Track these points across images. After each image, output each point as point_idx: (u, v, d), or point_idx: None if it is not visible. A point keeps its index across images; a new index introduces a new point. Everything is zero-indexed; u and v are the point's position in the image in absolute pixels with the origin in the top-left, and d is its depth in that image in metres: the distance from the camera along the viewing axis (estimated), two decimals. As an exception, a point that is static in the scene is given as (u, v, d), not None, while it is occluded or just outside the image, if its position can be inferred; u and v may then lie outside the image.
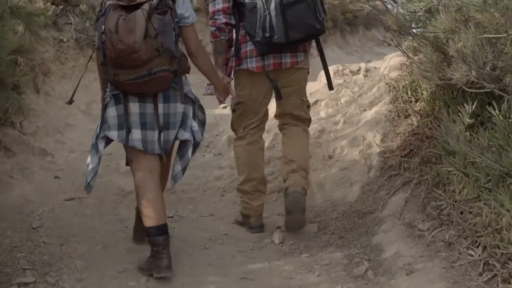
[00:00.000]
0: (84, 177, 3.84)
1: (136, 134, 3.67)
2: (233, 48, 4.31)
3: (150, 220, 3.71)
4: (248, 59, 4.27)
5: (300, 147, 4.56)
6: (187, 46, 3.77)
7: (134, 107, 3.65)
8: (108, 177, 5.58)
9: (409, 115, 5.13)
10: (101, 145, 3.71)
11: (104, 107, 3.71)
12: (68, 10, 7.90)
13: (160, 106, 3.68)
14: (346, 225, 4.56)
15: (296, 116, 4.59)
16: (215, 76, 4.05)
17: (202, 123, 3.99)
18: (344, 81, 7.07)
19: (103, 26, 3.45)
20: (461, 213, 3.57)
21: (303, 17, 4.08)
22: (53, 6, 7.61)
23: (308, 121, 4.71)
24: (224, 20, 4.19)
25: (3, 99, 4.93)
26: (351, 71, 7.32)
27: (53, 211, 4.81)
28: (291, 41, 4.11)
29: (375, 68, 7.44)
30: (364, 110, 5.99)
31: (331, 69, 7.33)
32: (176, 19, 3.61)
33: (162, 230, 3.71)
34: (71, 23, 7.71)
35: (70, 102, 3.95)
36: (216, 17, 4.20)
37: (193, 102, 3.82)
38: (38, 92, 6.74)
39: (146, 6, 3.42)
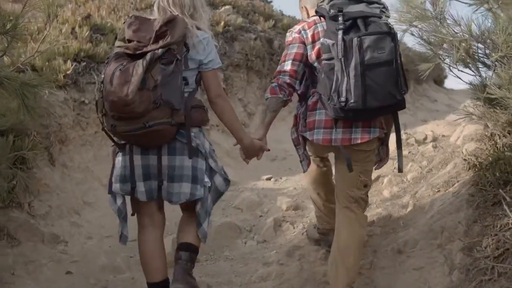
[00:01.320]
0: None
1: (140, 187, 3.73)
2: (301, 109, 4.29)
3: (148, 275, 3.88)
4: (315, 130, 4.14)
5: (351, 246, 4.21)
6: (207, 92, 3.80)
7: (137, 159, 3.71)
8: (131, 273, 4.82)
9: (500, 202, 4.30)
10: (112, 198, 3.86)
11: (115, 156, 3.83)
12: (91, 67, 7.26)
13: (165, 158, 3.70)
14: None
15: (351, 198, 4.30)
16: (238, 130, 4.01)
17: (222, 174, 4.01)
18: (410, 152, 6.36)
19: (102, 76, 3.57)
20: None
21: (384, 83, 3.83)
22: (74, 64, 6.93)
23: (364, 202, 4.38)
24: (288, 81, 4.12)
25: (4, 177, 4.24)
26: (416, 141, 6.61)
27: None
28: (368, 108, 3.85)
29: (443, 136, 6.73)
30: (438, 191, 5.25)
31: (392, 136, 6.67)
32: (195, 66, 3.71)
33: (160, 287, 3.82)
34: (94, 82, 7.04)
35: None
36: (280, 76, 4.13)
37: (205, 157, 3.81)
38: (53, 164, 6.04)
39: (148, 56, 3.45)
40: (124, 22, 3.85)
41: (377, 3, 4.08)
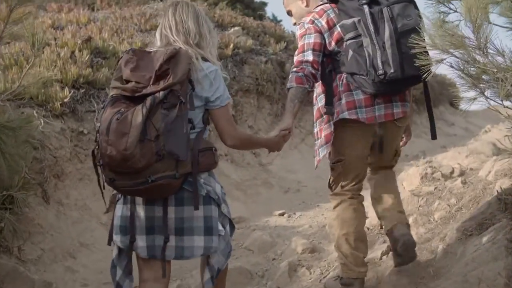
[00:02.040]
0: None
1: (141, 241, 3.39)
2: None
3: None
4: (358, 109, 4.14)
5: (394, 189, 4.59)
6: (219, 135, 3.53)
7: (140, 210, 3.38)
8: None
9: (545, 250, 3.96)
10: (115, 251, 3.48)
11: (116, 203, 3.50)
12: (91, 94, 6.91)
13: (172, 210, 3.36)
14: None
15: (387, 166, 4.61)
16: (260, 145, 4.04)
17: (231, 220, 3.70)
18: (436, 188, 5.96)
19: (98, 124, 3.22)
20: None
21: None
22: (72, 91, 6.57)
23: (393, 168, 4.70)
24: (313, 71, 4.11)
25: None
26: (443, 175, 6.20)
27: None
28: (406, 76, 3.92)
29: (472, 170, 6.31)
30: (471, 234, 4.81)
31: (416, 171, 6.32)
32: (201, 104, 3.37)
33: None
34: (94, 111, 6.68)
35: (107, 211, 3.70)
36: (304, 66, 4.10)
37: (218, 204, 3.47)
38: (48, 202, 5.65)
39: (148, 101, 3.11)
40: (120, 58, 3.42)
41: None
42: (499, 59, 3.47)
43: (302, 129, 9.98)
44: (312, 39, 4.17)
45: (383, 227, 4.87)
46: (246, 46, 9.83)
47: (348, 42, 4.05)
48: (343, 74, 4.15)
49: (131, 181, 3.17)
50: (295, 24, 4.57)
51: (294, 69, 4.13)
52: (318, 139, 4.34)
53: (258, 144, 4.10)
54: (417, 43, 3.55)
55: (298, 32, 4.27)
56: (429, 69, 3.66)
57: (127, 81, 3.29)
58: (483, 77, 3.56)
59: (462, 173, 6.32)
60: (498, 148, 8.19)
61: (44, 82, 6.17)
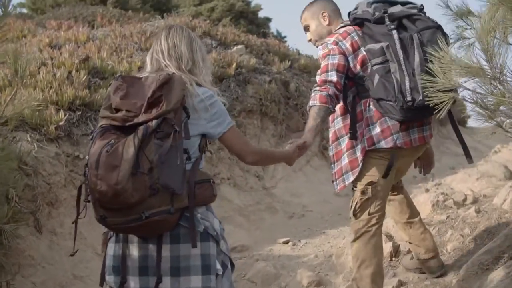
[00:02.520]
0: None
1: (133, 282, 3.14)
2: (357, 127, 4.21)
3: None
4: (394, 135, 4.16)
5: (418, 213, 4.83)
6: (236, 156, 3.44)
7: (133, 248, 3.14)
8: None
9: None
10: None
11: (108, 241, 3.23)
12: (87, 116, 6.70)
13: (166, 248, 3.11)
14: None
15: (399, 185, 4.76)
16: (279, 157, 3.88)
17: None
18: (448, 217, 5.77)
19: (86, 158, 3.01)
20: None
21: None
22: (68, 113, 6.36)
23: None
24: (336, 92, 4.10)
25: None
26: (455, 203, 5.98)
27: None
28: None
29: (485, 197, 6.10)
30: (487, 269, 4.64)
31: (427, 198, 6.10)
32: (197, 132, 3.18)
33: None
34: (90, 134, 6.41)
35: (73, 254, 3.42)
36: (328, 85, 4.09)
37: (216, 240, 3.23)
38: (40, 231, 5.43)
39: (140, 131, 2.91)
40: (109, 85, 3.22)
41: (410, 3, 4.27)
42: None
43: (307, 151, 9.73)
44: (336, 60, 4.15)
45: (416, 254, 4.89)
46: (249, 65, 9.63)
47: (375, 67, 4.07)
48: (369, 100, 4.16)
49: (123, 217, 2.96)
50: (310, 40, 4.59)
51: (318, 88, 4.10)
52: (334, 162, 4.33)
53: (275, 157, 3.94)
54: (429, 81, 3.35)
55: (320, 52, 4.25)
56: (444, 106, 3.46)
57: (117, 110, 3.08)
58: (501, 108, 3.35)
59: (475, 201, 6.11)
60: (510, 171, 7.97)
61: (37, 105, 6.01)
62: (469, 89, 3.43)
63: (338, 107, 4.25)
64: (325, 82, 4.10)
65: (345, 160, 4.23)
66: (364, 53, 4.16)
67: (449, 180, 8.89)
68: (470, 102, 3.53)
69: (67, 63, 7.51)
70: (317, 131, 4.05)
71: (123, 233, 3.13)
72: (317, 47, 4.44)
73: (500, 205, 5.54)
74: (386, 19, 4.11)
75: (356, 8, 4.36)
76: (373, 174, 4.22)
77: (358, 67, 4.17)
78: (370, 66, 4.12)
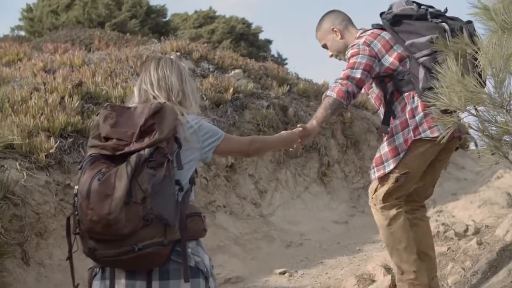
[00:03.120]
0: None
1: None
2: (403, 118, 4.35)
3: None
4: (439, 125, 4.11)
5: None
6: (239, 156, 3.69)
7: (121, 285, 2.99)
8: None
9: None
10: None
11: (93, 279, 3.08)
12: (79, 143, 6.57)
13: (156, 284, 3.00)
14: None
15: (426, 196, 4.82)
16: (278, 142, 3.94)
17: None
18: (449, 249, 5.63)
19: (75, 188, 2.95)
20: None
21: None
22: (59, 140, 6.24)
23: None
24: (355, 91, 4.29)
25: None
26: (456, 234, 5.83)
27: None
28: None
29: (487, 227, 5.96)
30: None
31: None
32: (187, 161, 3.11)
33: None
34: (79, 164, 6.29)
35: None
36: (350, 82, 4.26)
37: (206, 277, 3.12)
38: (28, 263, 5.28)
39: (133, 160, 2.85)
40: (97, 114, 3.16)
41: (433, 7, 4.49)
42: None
43: (306, 177, 9.62)
44: (365, 60, 4.33)
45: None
46: (246, 90, 9.53)
47: (422, 59, 4.22)
48: (412, 92, 4.32)
49: (114, 250, 2.86)
50: (331, 56, 4.76)
51: (339, 81, 4.27)
52: (372, 168, 4.49)
53: (274, 143, 3.99)
54: (432, 104, 3.25)
55: (350, 51, 4.43)
56: (448, 130, 3.36)
57: (107, 139, 3.02)
58: (506, 138, 3.23)
59: (477, 231, 5.98)
60: (513, 199, 7.86)
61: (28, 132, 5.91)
62: (474, 115, 3.32)
63: (383, 101, 4.50)
64: (348, 77, 4.28)
65: (384, 149, 4.42)
66: (400, 50, 4.38)
67: (451, 207, 8.76)
68: (475, 130, 3.42)
69: (60, 88, 7.41)
70: (323, 121, 4.27)
71: (112, 266, 2.99)
72: (339, 59, 4.71)
73: (502, 237, 5.40)
74: (428, 16, 4.34)
75: (390, 8, 4.52)
76: (411, 163, 4.36)
77: (396, 63, 4.37)
78: (410, 60, 4.32)
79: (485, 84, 3.35)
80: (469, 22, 4.17)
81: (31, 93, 7.29)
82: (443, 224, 6.12)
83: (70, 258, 3.13)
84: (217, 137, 3.29)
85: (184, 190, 3.07)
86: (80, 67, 9.15)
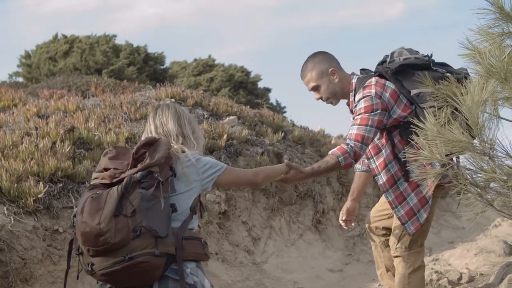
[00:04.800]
0: None
1: None
2: None
3: None
4: None
5: None
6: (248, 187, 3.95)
7: None
8: None
9: None
10: None
11: None
12: (69, 189, 6.53)
13: None
14: None
15: None
16: (278, 172, 4.10)
17: None
18: (442, 297, 5.46)
19: (75, 209, 3.38)
20: None
21: None
22: (48, 185, 6.20)
23: None
24: (363, 154, 4.37)
25: None
26: (449, 282, 5.76)
27: None
28: None
29: (481, 275, 5.89)
30: None
31: None
32: (186, 189, 3.40)
33: None
34: (71, 207, 6.29)
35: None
36: (363, 146, 4.30)
37: None
38: (12, 310, 5.15)
39: (124, 181, 3.20)
40: (94, 156, 3.52)
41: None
42: (509, 162, 3.12)
43: (300, 225, 9.55)
44: (378, 116, 4.34)
45: None
46: (241, 136, 9.52)
47: (431, 109, 4.02)
48: None
49: (107, 261, 3.14)
50: (319, 99, 4.69)
51: (353, 144, 4.28)
52: (396, 206, 4.51)
53: (278, 170, 4.16)
54: (413, 154, 3.25)
55: (363, 104, 4.37)
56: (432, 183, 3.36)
57: (106, 169, 3.38)
58: (491, 185, 3.22)
59: (471, 279, 5.93)
60: (510, 246, 7.79)
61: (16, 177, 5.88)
62: (456, 165, 3.30)
63: (389, 152, 4.50)
64: (362, 140, 4.29)
65: (413, 200, 4.47)
66: (405, 101, 4.42)
67: (447, 255, 8.70)
68: (458, 179, 3.40)
69: (52, 133, 7.39)
70: (317, 175, 4.47)
71: (109, 280, 3.25)
72: (329, 103, 4.68)
73: (497, 285, 5.35)
74: (431, 64, 4.42)
75: (391, 56, 4.57)
76: (433, 208, 4.53)
77: (404, 115, 4.40)
78: (417, 110, 4.35)
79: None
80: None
81: (22, 138, 7.27)
82: (436, 272, 6.06)
83: (65, 276, 3.44)
84: (218, 168, 3.55)
85: (181, 216, 3.35)
86: (74, 112, 9.15)
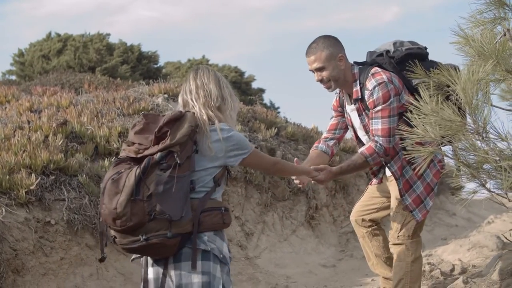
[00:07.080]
0: None
1: None
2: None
3: None
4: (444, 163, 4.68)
5: None
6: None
7: (150, 272, 3.54)
8: None
9: None
10: None
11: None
12: (61, 181, 6.50)
13: (171, 267, 3.47)
14: None
15: None
16: (298, 174, 4.43)
17: None
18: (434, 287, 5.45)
19: (102, 185, 3.47)
20: None
21: None
22: (40, 177, 6.17)
23: None
24: (393, 145, 4.48)
25: None
26: (442, 273, 5.75)
27: None
28: None
29: (474, 267, 5.89)
30: None
31: None
32: (211, 165, 3.49)
33: None
34: (64, 199, 6.27)
35: (102, 259, 3.63)
36: (392, 137, 4.42)
37: (221, 262, 3.49)
38: (2, 300, 5.13)
39: (143, 164, 3.31)
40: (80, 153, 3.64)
41: None
42: (502, 145, 3.12)
43: (294, 220, 9.53)
44: (394, 103, 4.45)
45: None
46: (234, 131, 9.49)
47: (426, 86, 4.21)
48: None
49: (126, 239, 3.36)
50: (320, 80, 4.67)
51: (381, 142, 4.42)
52: (403, 195, 4.58)
53: (294, 169, 4.35)
54: (408, 133, 3.23)
55: (380, 92, 4.44)
56: (423, 161, 3.35)
57: (133, 143, 3.50)
58: (484, 166, 3.21)
59: (463, 271, 5.93)
60: (503, 242, 7.79)
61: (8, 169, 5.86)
62: (450, 144, 3.30)
63: (397, 139, 4.48)
64: (389, 133, 4.41)
65: (419, 188, 4.59)
66: (407, 87, 4.52)
67: (440, 251, 8.70)
68: (451, 158, 3.41)
69: (44, 127, 7.37)
70: (345, 173, 4.65)
71: (131, 253, 3.53)
72: (327, 87, 4.68)
73: (490, 276, 5.34)
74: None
75: (394, 47, 4.67)
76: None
77: (411, 100, 4.25)
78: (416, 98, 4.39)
79: (466, 116, 3.34)
80: None
81: (14, 131, 7.25)
82: (429, 263, 6.06)
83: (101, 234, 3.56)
84: (245, 151, 3.59)
85: (199, 189, 3.47)
86: (67, 107, 9.12)
